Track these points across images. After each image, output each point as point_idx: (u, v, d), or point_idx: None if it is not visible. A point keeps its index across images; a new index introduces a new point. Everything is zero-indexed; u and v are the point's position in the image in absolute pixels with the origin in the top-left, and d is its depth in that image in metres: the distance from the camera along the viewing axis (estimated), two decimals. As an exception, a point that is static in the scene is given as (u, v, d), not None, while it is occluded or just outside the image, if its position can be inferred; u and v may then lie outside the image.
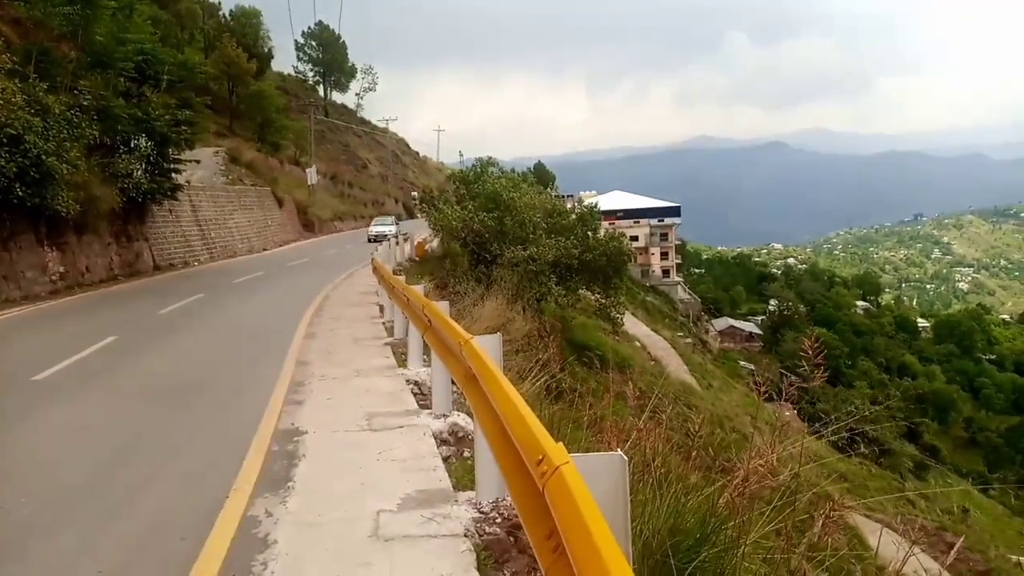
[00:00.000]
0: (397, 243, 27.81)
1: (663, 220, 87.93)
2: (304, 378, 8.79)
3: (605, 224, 43.58)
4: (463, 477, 5.20)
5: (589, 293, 26.28)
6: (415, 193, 63.89)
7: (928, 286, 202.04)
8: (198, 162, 32.55)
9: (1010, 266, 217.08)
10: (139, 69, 23.86)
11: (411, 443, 5.99)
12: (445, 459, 5.65)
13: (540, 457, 2.02)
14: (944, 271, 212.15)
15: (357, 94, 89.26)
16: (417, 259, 29.02)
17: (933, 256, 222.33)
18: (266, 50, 64.94)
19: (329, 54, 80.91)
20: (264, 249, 38.63)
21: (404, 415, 6.88)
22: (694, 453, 4.67)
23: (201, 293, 18.91)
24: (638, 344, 40.35)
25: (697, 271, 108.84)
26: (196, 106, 27.74)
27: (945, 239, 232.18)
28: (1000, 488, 65.74)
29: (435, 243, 30.60)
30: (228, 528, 4.34)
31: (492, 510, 4.39)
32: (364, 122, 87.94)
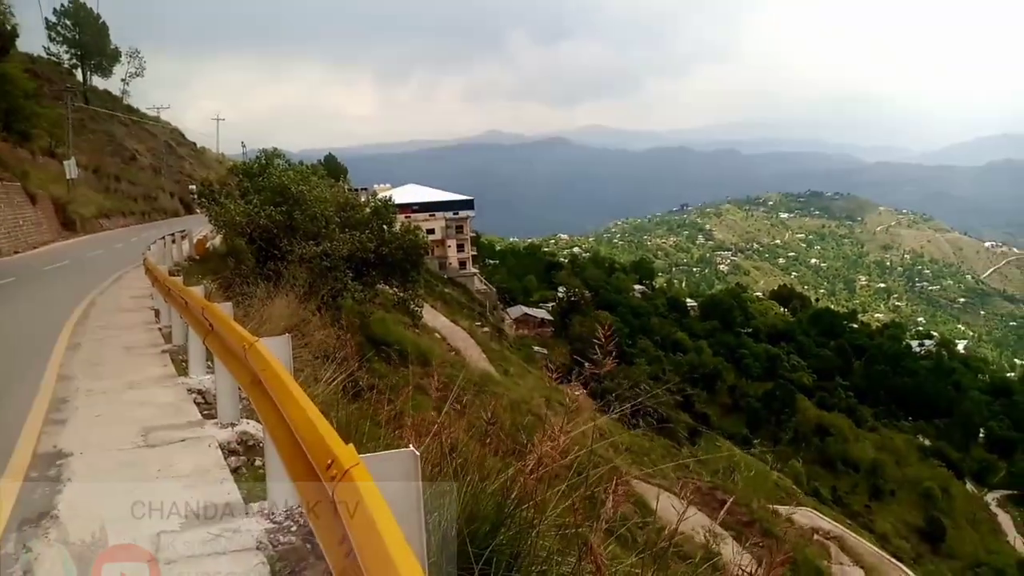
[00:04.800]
0: (173, 241, 25.69)
1: (458, 213, 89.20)
2: (68, 394, 7.85)
3: (400, 217, 43.36)
4: (254, 487, 4.93)
5: (387, 287, 26.05)
6: (193, 187, 59.52)
7: (694, 269, 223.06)
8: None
9: (761, 249, 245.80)
10: None
11: (195, 456, 5.57)
12: (234, 470, 5.33)
13: (330, 461, 1.95)
14: (707, 255, 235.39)
15: (123, 80, 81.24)
16: (197, 258, 27.03)
17: (698, 242, 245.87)
18: (9, 28, 56.94)
19: (87, 35, 72.82)
20: (15, 252, 34.02)
21: (186, 427, 6.38)
22: (489, 440, 4.77)
23: (-69, 305, 16.28)
24: (438, 336, 40.70)
25: (492, 262, 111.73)
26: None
27: (707, 226, 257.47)
28: (759, 446, 74.45)
29: (217, 240, 28.68)
30: (-27, 574, 3.79)
31: (286, 519, 4.20)
32: (132, 110, 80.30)
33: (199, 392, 7.69)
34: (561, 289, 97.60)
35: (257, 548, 3.89)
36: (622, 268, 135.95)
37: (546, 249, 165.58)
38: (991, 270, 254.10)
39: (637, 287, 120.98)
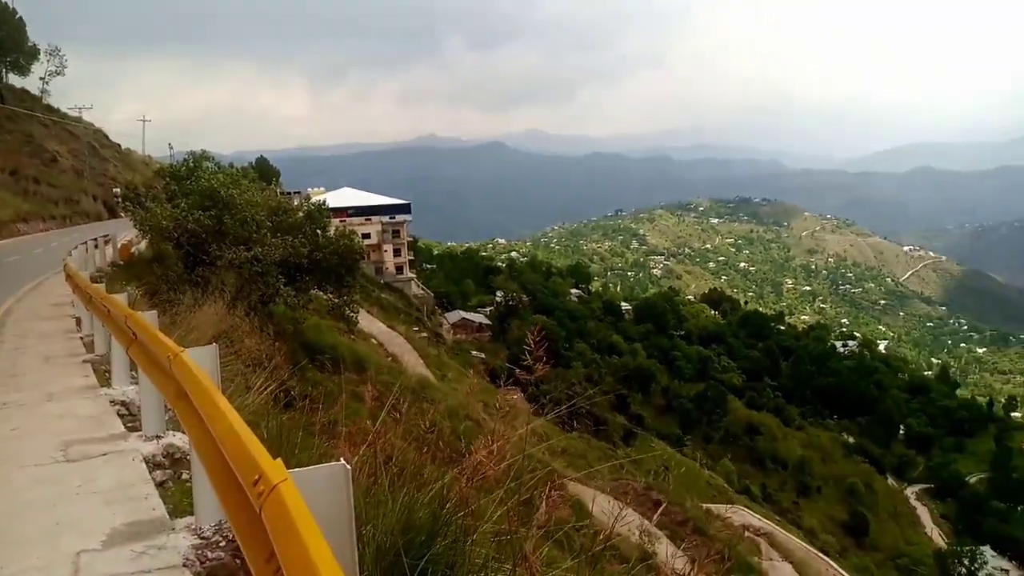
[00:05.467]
0: (96, 245, 24.69)
1: (395, 217, 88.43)
2: (-22, 409, 7.46)
3: (335, 222, 42.70)
4: (181, 502, 4.77)
5: (322, 293, 25.61)
6: (117, 190, 57.37)
7: (629, 273, 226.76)
8: None
9: (692, 253, 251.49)
10: None
11: (118, 471, 5.36)
12: (160, 484, 5.14)
13: (257, 476, 1.90)
14: (641, 259, 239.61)
15: (42, 78, 77.83)
16: (121, 263, 26.04)
17: (632, 246, 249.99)
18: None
19: (3, 31, 69.47)
20: (-78, 259, 32.13)
21: (109, 440, 6.13)
22: (426, 449, 4.74)
23: None
24: (375, 342, 40.22)
25: (429, 266, 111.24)
26: None
27: (641, 231, 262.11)
28: (692, 445, 76.06)
29: (143, 245, 27.70)
30: None
31: (215, 534, 4.08)
32: (52, 110, 76.93)
33: (123, 404, 7.40)
34: (499, 293, 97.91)
35: (184, 565, 3.76)
36: (559, 272, 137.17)
37: (484, 254, 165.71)
38: (909, 273, 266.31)
39: (574, 291, 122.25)
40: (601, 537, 4.02)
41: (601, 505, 5.77)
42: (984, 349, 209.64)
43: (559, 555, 4.79)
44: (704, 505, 26.32)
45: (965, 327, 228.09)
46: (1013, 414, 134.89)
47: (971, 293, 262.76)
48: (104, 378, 8.60)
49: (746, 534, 28.56)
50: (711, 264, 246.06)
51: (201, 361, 4.03)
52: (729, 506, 33.45)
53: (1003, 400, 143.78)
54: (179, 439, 5.88)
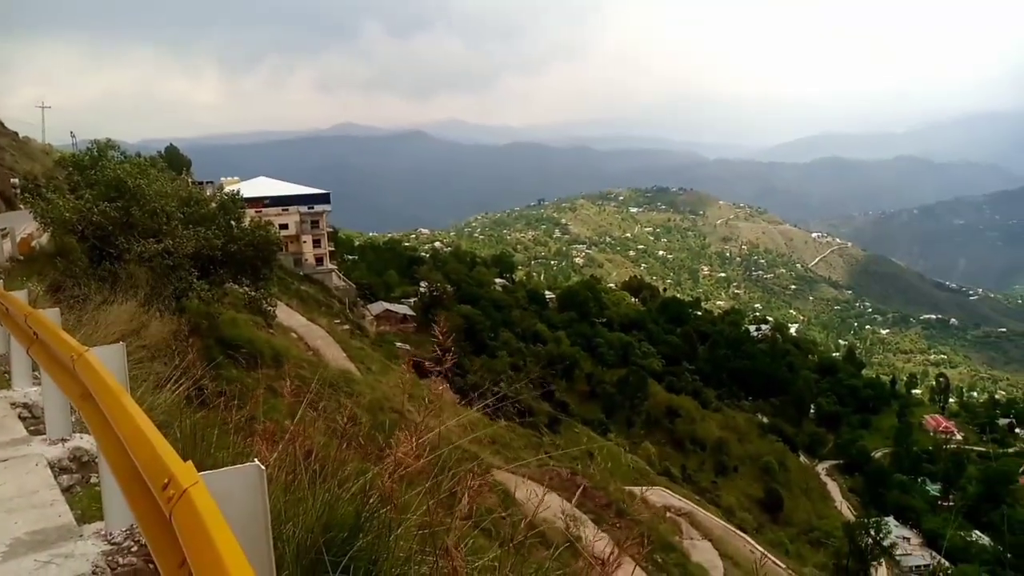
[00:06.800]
0: (-7, 240, 23.26)
1: (313, 207, 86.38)
2: None
3: (251, 212, 41.53)
4: (90, 507, 4.55)
5: (237, 286, 24.84)
6: (15, 180, 54.10)
7: (552, 262, 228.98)
8: None
9: (613, 242, 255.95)
10: None
11: (19, 477, 5.08)
12: (67, 489, 4.90)
13: (166, 480, 1.83)
14: (564, 248, 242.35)
15: (-77, 60, 72.56)
16: (21, 258, 24.62)
17: (555, 236, 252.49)
18: None
19: None
20: None
21: (10, 445, 5.80)
22: (346, 444, 4.66)
23: None
24: (295, 336, 39.31)
25: (351, 257, 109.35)
26: None
27: (563, 220, 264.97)
28: (615, 430, 77.64)
29: (44, 239, 26.26)
30: None
31: (127, 539, 3.92)
32: (-63, 94, 71.96)
33: (24, 406, 7.01)
34: (423, 284, 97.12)
35: (93, 573, 3.60)
36: (483, 262, 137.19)
37: (407, 244, 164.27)
38: (818, 259, 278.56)
39: (498, 280, 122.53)
40: (523, 525, 4.05)
41: (527, 493, 5.83)
42: (887, 330, 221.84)
43: (486, 544, 4.82)
44: (627, 488, 26.92)
45: (869, 309, 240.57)
46: (914, 391, 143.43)
47: (875, 277, 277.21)
48: (3, 380, 8.13)
49: (667, 515, 29.40)
50: (631, 252, 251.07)
51: (107, 361, 3.86)
52: (651, 488, 34.35)
53: (904, 378, 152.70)
54: (87, 442, 5.62)
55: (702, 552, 27.66)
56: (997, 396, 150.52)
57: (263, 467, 1.88)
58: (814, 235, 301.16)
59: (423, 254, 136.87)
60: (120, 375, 3.94)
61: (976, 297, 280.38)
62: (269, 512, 1.88)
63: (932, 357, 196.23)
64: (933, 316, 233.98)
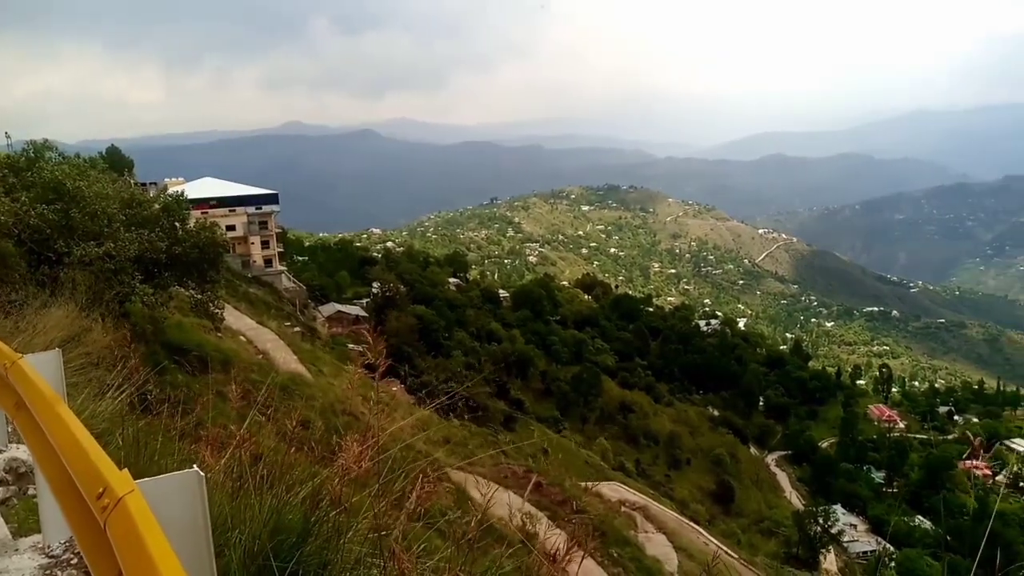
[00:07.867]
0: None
1: (261, 208, 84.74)
2: None
3: (196, 214, 40.55)
4: (27, 519, 4.41)
5: (183, 289, 24.27)
6: (-56, 182, 51.76)
7: (506, 261, 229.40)
8: None
9: (566, 240, 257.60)
10: None
11: (-49, 492, 4.89)
12: (2, 502, 4.73)
13: (101, 489, 1.78)
14: (517, 247, 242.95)
15: None
16: (-47, 264, 23.66)
17: (508, 234, 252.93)
18: None
19: None
20: None
21: (-61, 459, 5.57)
22: (299, 446, 4.60)
23: None
24: (243, 339, 38.55)
25: (301, 259, 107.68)
26: None
27: (516, 219, 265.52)
28: (570, 427, 78.17)
29: (-22, 243, 25.27)
30: None
31: (65, 551, 3.80)
32: None
33: (-45, 418, 6.74)
34: (375, 285, 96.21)
35: (30, 588, 3.49)
36: (436, 261, 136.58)
37: (358, 244, 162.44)
38: (764, 254, 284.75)
39: (452, 280, 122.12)
40: (473, 524, 4.04)
41: (482, 491, 5.82)
42: (832, 323, 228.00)
43: (440, 544, 4.80)
44: (582, 484, 27.12)
45: (815, 303, 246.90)
46: (858, 382, 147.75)
47: (819, 271, 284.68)
48: (-68, 391, 7.80)
49: (622, 509, 29.71)
50: (584, 250, 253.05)
51: (42, 368, 3.73)
52: (606, 483, 34.66)
53: (849, 370, 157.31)
54: (23, 452, 5.43)
55: (657, 545, 27.99)
56: (937, 385, 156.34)
57: (203, 473, 1.84)
58: (761, 231, 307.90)
59: (375, 254, 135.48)
60: (56, 383, 3.82)
61: (916, 289, 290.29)
62: (210, 519, 1.84)
63: (875, 348, 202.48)
64: (875, 308, 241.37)
